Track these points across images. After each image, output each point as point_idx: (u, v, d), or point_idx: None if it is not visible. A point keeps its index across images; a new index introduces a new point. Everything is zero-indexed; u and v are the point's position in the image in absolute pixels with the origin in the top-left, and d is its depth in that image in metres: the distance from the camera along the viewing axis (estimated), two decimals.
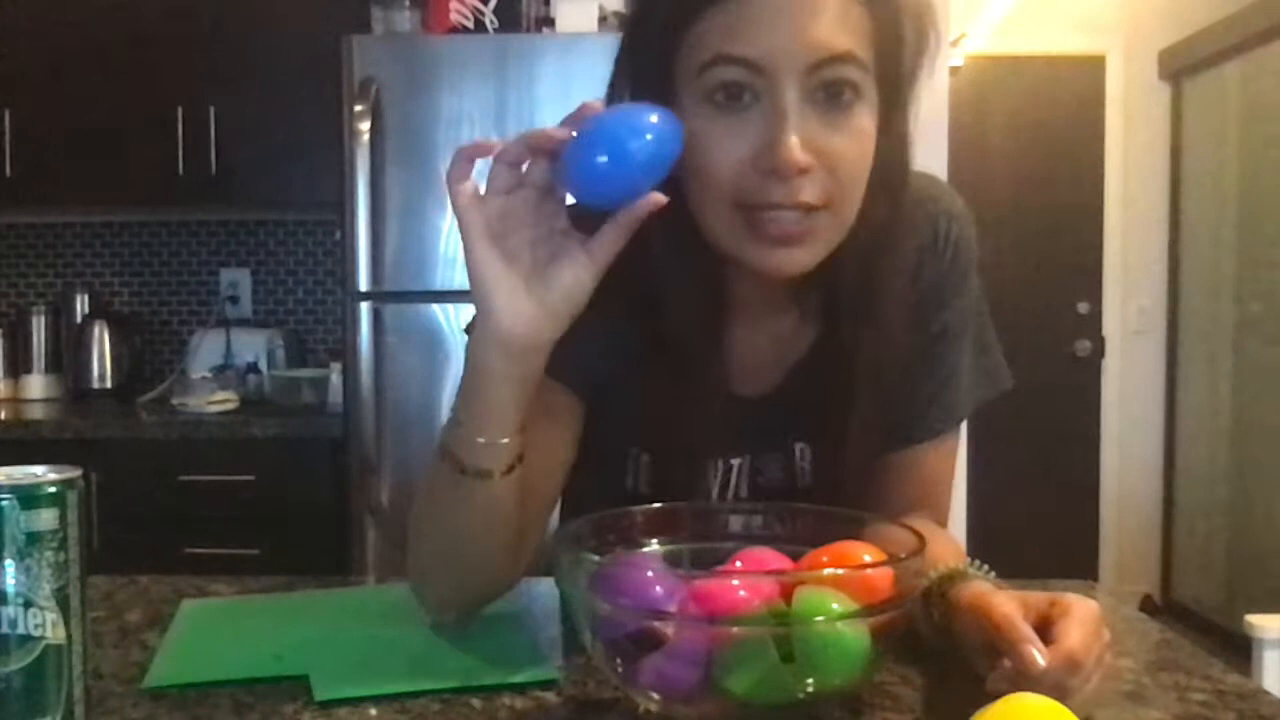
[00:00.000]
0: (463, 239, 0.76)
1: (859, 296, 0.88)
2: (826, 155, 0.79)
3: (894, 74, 0.84)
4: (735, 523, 0.82)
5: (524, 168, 0.75)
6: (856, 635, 0.66)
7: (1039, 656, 0.66)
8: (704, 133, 0.79)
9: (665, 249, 0.85)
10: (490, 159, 0.75)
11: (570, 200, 0.77)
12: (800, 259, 0.82)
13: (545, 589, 1.00)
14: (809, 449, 0.95)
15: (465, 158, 0.74)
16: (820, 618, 0.65)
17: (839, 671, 0.67)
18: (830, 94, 0.79)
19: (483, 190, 0.75)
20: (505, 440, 0.81)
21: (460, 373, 0.83)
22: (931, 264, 0.95)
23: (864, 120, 0.81)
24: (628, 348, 0.90)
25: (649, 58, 0.83)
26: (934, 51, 0.87)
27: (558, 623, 0.93)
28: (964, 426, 1.00)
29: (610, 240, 0.76)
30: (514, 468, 0.82)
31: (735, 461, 0.96)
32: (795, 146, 0.77)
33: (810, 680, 0.65)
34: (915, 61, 0.86)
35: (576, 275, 0.76)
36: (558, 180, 0.75)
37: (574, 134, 0.73)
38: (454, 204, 0.75)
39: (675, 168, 0.77)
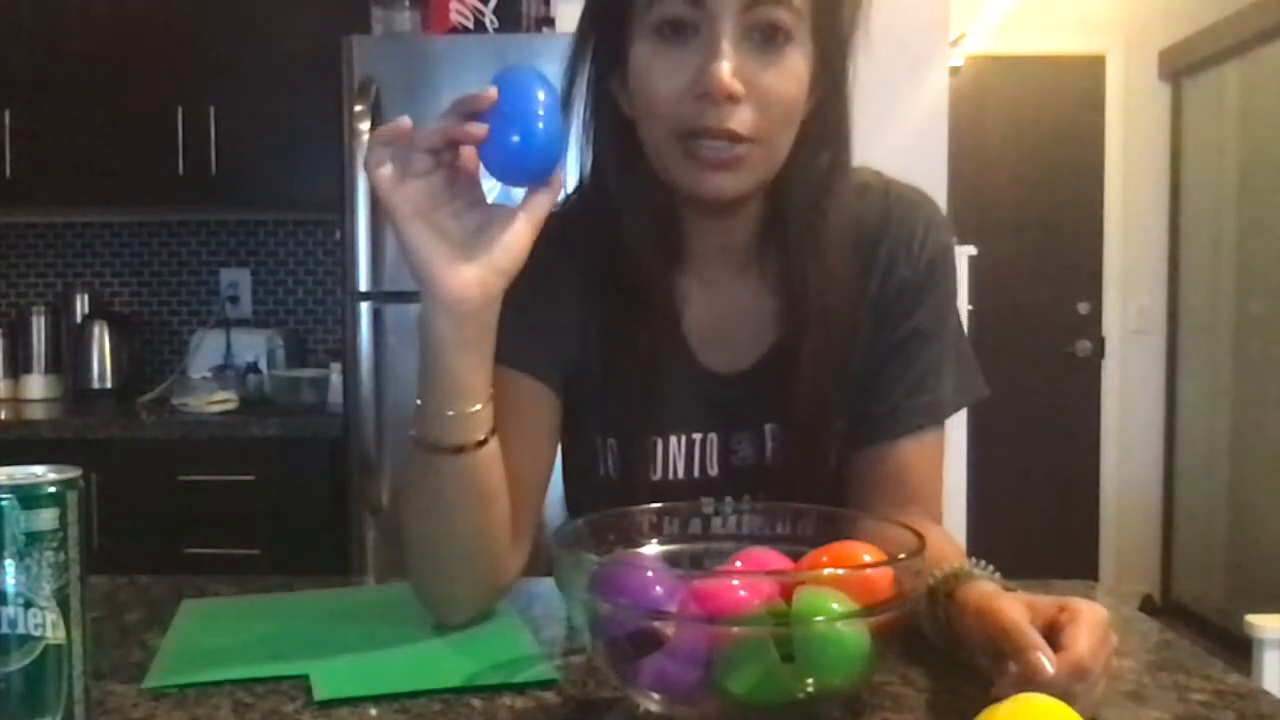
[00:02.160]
0: (390, 221, 0.78)
1: (806, 239, 0.93)
2: (757, 89, 0.85)
3: (832, 28, 0.89)
4: (735, 523, 0.82)
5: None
6: (856, 635, 0.66)
7: (1047, 664, 0.66)
8: (649, 64, 0.87)
9: (621, 188, 0.92)
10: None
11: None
12: (730, 184, 0.88)
13: (545, 589, 1.00)
14: (777, 430, 0.98)
15: (381, 143, 0.77)
16: (820, 618, 0.65)
17: (839, 671, 0.67)
18: (765, 35, 0.85)
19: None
20: (476, 408, 0.83)
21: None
22: (906, 262, 0.98)
23: (796, 62, 0.87)
24: (593, 332, 0.94)
25: (607, 3, 0.90)
26: (867, 10, 0.92)
27: (558, 623, 0.93)
28: (964, 428, 1.00)
29: (542, 199, 0.80)
30: (487, 440, 0.84)
31: (698, 436, 0.98)
32: (726, 71, 0.83)
33: (810, 680, 0.65)
34: (852, 18, 0.91)
35: (514, 232, 0.79)
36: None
37: (487, 125, 0.76)
38: (376, 189, 0.77)
39: (627, 102, 0.89)
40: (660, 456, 0.98)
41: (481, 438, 0.84)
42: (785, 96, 0.87)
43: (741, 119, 0.85)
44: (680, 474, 0.98)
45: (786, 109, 0.87)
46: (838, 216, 0.94)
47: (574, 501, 1.05)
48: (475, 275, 0.79)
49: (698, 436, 0.98)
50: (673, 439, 0.98)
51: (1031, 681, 0.65)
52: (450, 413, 0.82)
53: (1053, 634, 0.69)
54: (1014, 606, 0.71)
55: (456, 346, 0.81)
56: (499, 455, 0.86)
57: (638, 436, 0.97)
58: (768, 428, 0.98)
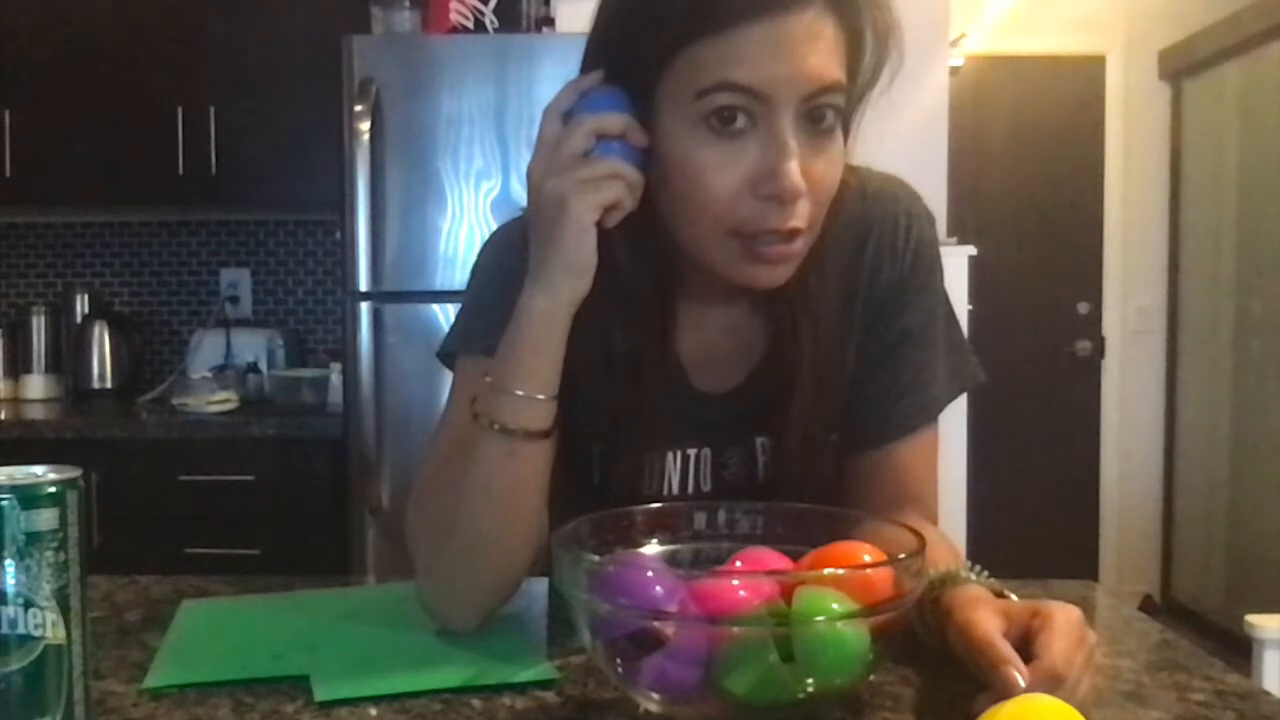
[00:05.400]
0: (582, 200, 0.81)
1: (797, 283, 0.90)
2: (812, 180, 0.82)
3: (858, 94, 0.87)
4: (735, 523, 0.82)
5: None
6: (856, 635, 0.66)
7: (1019, 678, 0.66)
8: (700, 158, 0.81)
9: (623, 244, 0.87)
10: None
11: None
12: (784, 275, 0.86)
13: (545, 589, 1.00)
14: (768, 443, 0.97)
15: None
16: (820, 618, 0.65)
17: (839, 671, 0.67)
18: (814, 119, 0.82)
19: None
20: (554, 395, 0.86)
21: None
22: (891, 263, 0.96)
23: (839, 144, 0.85)
24: (587, 345, 0.91)
25: (632, 73, 0.84)
26: (896, 67, 0.87)
27: (558, 623, 0.93)
28: (963, 428, 1.00)
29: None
30: (553, 429, 0.87)
31: (693, 452, 0.98)
32: (796, 173, 0.80)
33: (810, 680, 0.65)
34: (868, 81, 0.87)
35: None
36: None
37: None
38: (597, 180, 0.82)
39: (656, 185, 0.84)
40: (657, 472, 0.97)
41: (550, 426, 0.87)
42: (834, 183, 0.85)
43: (801, 214, 0.82)
44: (675, 489, 0.97)
45: (831, 193, 0.85)
46: (830, 249, 0.92)
47: (566, 505, 1.03)
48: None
49: (692, 452, 0.98)
50: (669, 455, 0.98)
51: (1007, 697, 0.65)
52: (541, 397, 0.85)
53: (1028, 642, 0.69)
54: (986, 619, 0.71)
55: (563, 328, 0.85)
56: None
57: (634, 451, 0.96)
58: (759, 441, 0.97)
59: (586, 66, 0.88)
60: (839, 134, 0.84)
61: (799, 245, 0.84)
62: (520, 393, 0.85)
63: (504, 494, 0.87)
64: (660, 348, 0.94)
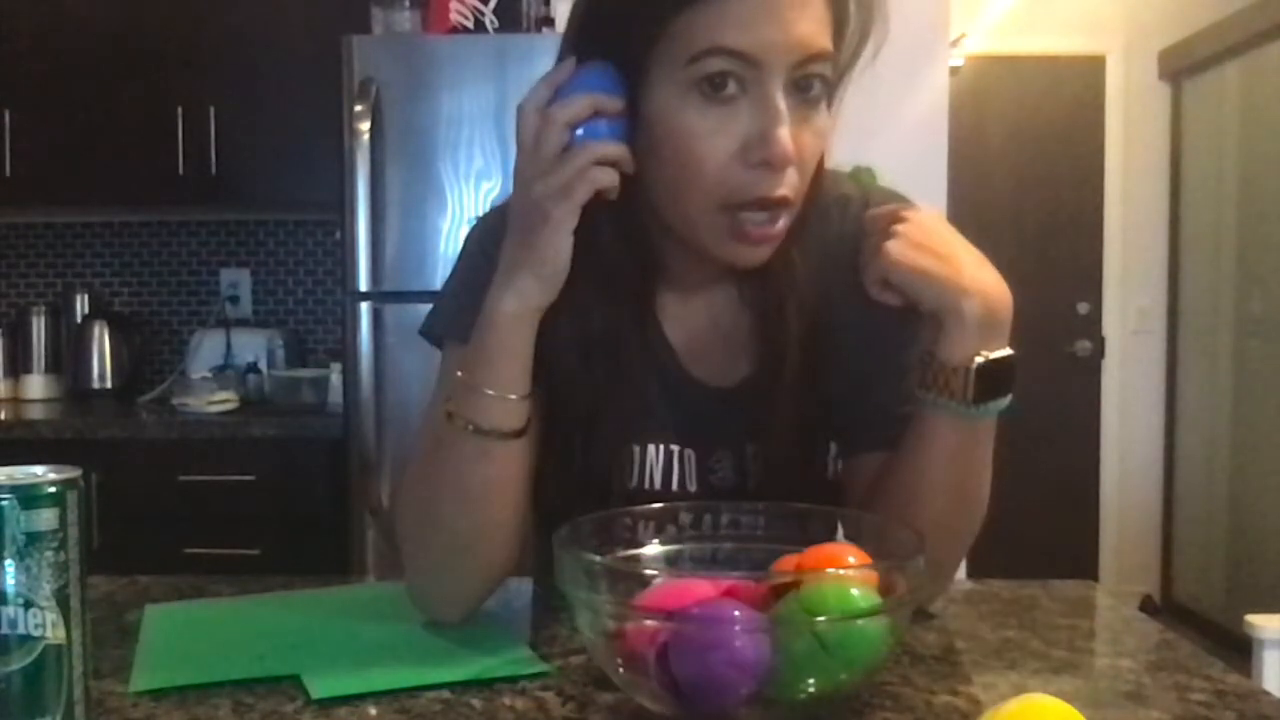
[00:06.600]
0: (561, 207, 0.81)
1: (780, 264, 0.91)
2: (798, 149, 0.82)
3: (842, 69, 0.87)
4: (736, 522, 0.82)
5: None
6: (879, 628, 0.67)
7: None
8: (691, 125, 0.82)
9: (607, 222, 0.87)
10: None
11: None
12: (766, 254, 0.87)
13: (544, 589, 1.00)
14: (760, 452, 0.96)
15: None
16: (853, 608, 0.66)
17: (863, 663, 0.68)
18: (801, 88, 0.82)
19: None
20: (527, 393, 0.86)
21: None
22: None
23: (824, 115, 0.85)
24: (566, 328, 0.91)
25: (624, 41, 0.83)
26: (881, 40, 0.88)
27: (557, 623, 0.93)
28: None
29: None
30: (527, 427, 0.87)
31: (675, 449, 0.96)
32: (788, 138, 0.80)
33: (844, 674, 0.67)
34: (853, 53, 0.88)
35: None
36: None
37: None
38: (592, 166, 0.81)
39: (645, 159, 0.83)
40: (637, 464, 0.96)
41: (524, 423, 0.86)
42: (818, 154, 0.85)
43: (790, 183, 0.82)
44: (658, 484, 0.96)
45: (814, 166, 0.86)
46: (814, 241, 0.92)
47: (548, 497, 0.98)
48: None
49: (675, 449, 0.97)
50: (650, 447, 0.96)
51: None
52: (512, 396, 0.85)
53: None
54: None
55: (532, 326, 0.85)
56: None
57: (616, 434, 0.95)
58: (749, 448, 0.96)
59: (578, 37, 0.87)
60: (824, 106, 0.85)
61: (782, 225, 0.84)
62: (491, 392, 0.85)
63: (480, 496, 0.87)
64: (639, 326, 0.93)
